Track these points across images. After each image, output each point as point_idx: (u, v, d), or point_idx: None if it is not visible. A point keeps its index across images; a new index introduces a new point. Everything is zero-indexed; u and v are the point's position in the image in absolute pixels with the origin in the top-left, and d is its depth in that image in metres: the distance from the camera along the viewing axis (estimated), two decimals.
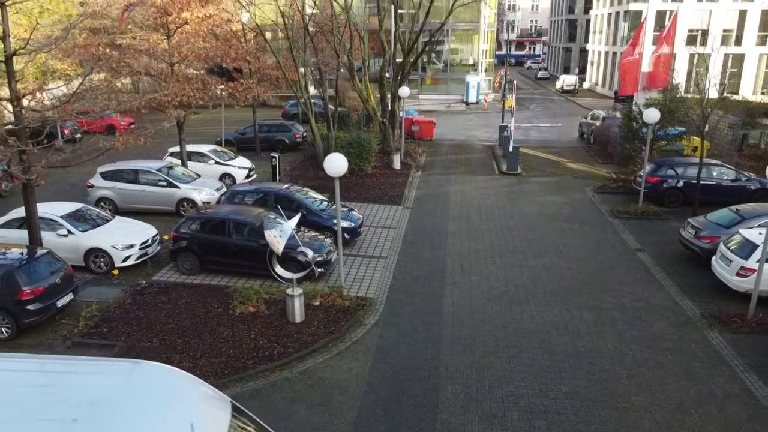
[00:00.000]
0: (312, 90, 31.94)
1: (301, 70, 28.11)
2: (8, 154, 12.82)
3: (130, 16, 19.10)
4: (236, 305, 13.32)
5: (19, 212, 15.51)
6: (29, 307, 12.09)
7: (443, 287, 15.08)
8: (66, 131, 30.14)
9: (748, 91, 49.50)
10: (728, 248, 14.45)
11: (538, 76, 78.52)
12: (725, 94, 25.75)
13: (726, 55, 45.42)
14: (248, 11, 25.97)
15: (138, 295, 14.21)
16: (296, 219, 13.71)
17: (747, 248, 13.94)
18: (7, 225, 15.85)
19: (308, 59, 28.25)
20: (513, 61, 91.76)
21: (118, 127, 34.20)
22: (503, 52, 69.00)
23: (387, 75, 30.78)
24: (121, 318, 13.06)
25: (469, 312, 13.74)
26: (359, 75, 29.76)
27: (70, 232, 15.53)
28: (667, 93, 29.09)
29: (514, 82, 32.85)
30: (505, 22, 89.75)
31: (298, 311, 12.78)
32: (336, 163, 12.97)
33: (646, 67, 29.71)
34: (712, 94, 20.79)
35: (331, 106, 28.88)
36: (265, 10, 28.35)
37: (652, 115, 19.94)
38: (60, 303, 12.77)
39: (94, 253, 15.46)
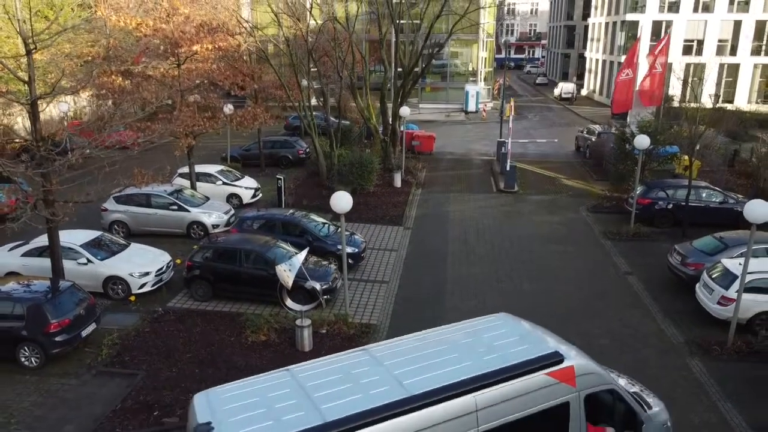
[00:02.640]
0: (313, 100, 32.67)
1: (304, 82, 28.78)
2: (36, 195, 13.69)
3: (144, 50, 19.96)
4: (249, 334, 14.21)
5: (42, 241, 16.38)
6: (57, 338, 12.98)
7: (444, 312, 15.94)
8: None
9: (743, 100, 50.44)
10: (710, 277, 15.33)
11: (537, 82, 79.19)
12: (719, 104, 26.55)
13: (721, 65, 46.25)
14: (252, 35, 26.77)
15: (155, 322, 15.10)
16: (305, 253, 14.58)
17: (728, 278, 14.81)
18: (29, 254, 16.74)
19: (310, 73, 28.91)
20: (512, 64, 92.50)
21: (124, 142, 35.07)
22: (502, 55, 69.76)
23: (388, 86, 31.59)
24: (140, 347, 13.93)
25: None
26: (359, 84, 30.46)
27: (89, 260, 16.41)
28: (660, 110, 30.01)
29: (512, 101, 33.59)
30: (504, 26, 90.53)
31: (306, 341, 13.66)
32: (342, 202, 13.88)
33: (639, 85, 30.50)
34: (707, 104, 21.53)
35: (333, 118, 29.57)
36: (267, 32, 29.13)
37: (642, 142, 20.79)
38: (84, 333, 13.65)
39: (112, 280, 16.35)
